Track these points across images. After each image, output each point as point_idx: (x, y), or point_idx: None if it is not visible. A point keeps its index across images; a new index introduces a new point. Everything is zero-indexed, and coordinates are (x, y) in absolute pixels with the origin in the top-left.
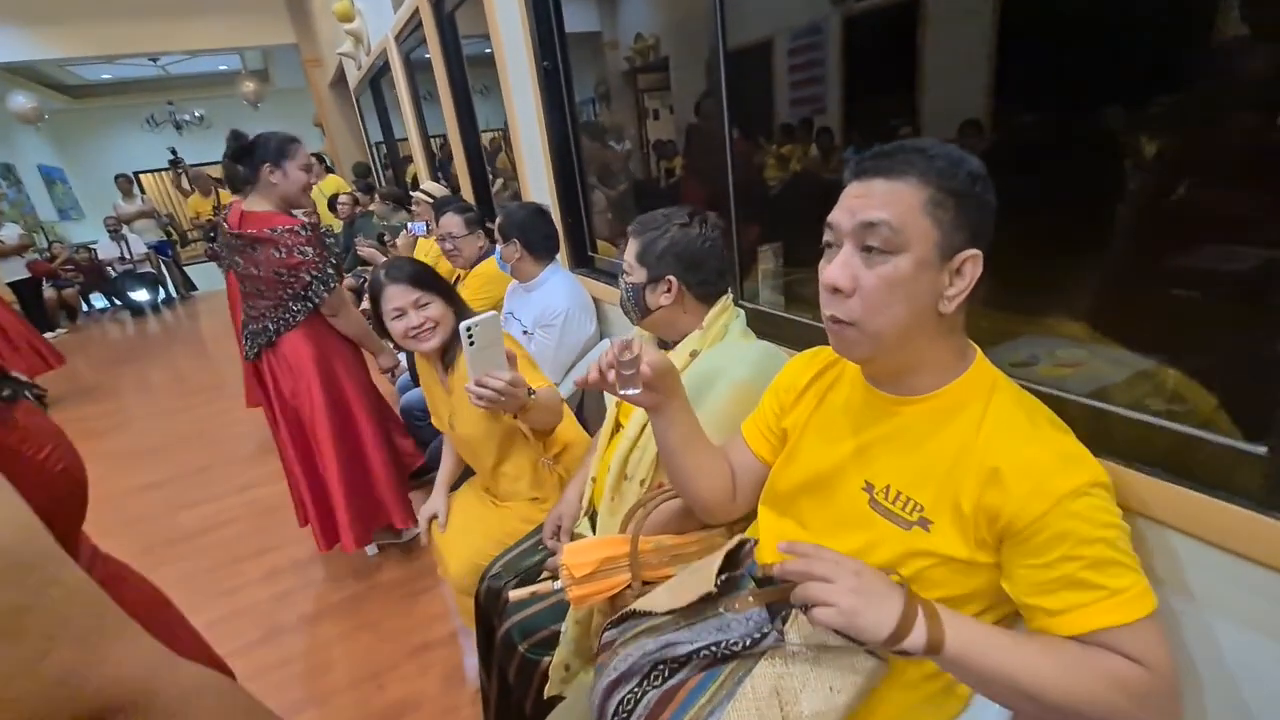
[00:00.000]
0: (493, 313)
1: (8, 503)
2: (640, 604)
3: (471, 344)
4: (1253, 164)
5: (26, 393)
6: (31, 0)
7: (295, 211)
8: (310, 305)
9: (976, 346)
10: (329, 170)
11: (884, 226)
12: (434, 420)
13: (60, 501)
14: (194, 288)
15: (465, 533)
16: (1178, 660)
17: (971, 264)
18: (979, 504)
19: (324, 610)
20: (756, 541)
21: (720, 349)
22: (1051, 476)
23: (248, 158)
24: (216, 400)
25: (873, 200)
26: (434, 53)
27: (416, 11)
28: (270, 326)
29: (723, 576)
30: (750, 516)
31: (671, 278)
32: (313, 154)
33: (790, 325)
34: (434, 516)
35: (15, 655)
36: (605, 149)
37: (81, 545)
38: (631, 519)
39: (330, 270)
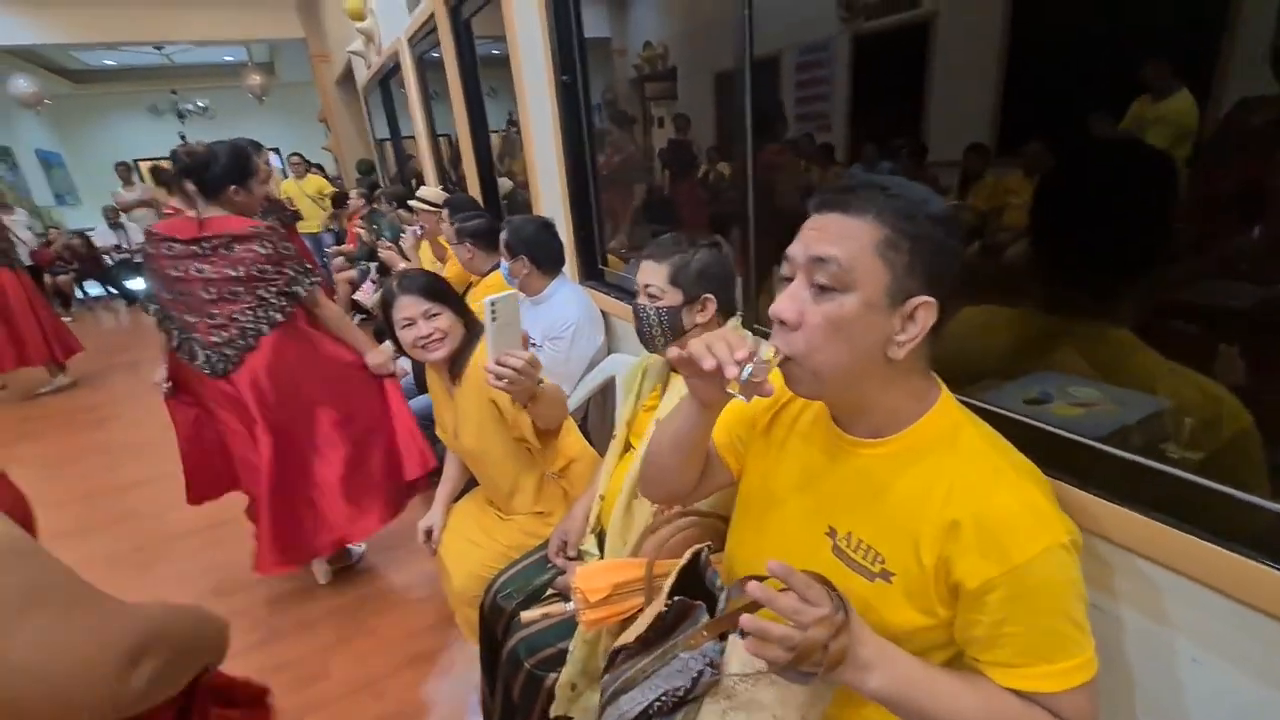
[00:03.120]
0: (514, 290)
1: None
2: (621, 639)
3: (494, 320)
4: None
5: None
6: None
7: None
8: (296, 299)
9: (941, 385)
10: (310, 168)
11: (833, 263)
12: (439, 430)
13: None
14: None
15: (469, 544)
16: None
17: (924, 311)
18: (939, 556)
19: (320, 616)
20: (709, 548)
21: None
22: (1009, 538)
23: (207, 170)
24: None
25: (826, 235)
26: (447, 57)
27: (432, 16)
28: (250, 328)
29: (675, 597)
30: None
31: (710, 297)
32: (294, 154)
33: None
34: (429, 530)
35: (46, 619)
36: (614, 154)
37: None
38: (644, 542)
39: (308, 265)
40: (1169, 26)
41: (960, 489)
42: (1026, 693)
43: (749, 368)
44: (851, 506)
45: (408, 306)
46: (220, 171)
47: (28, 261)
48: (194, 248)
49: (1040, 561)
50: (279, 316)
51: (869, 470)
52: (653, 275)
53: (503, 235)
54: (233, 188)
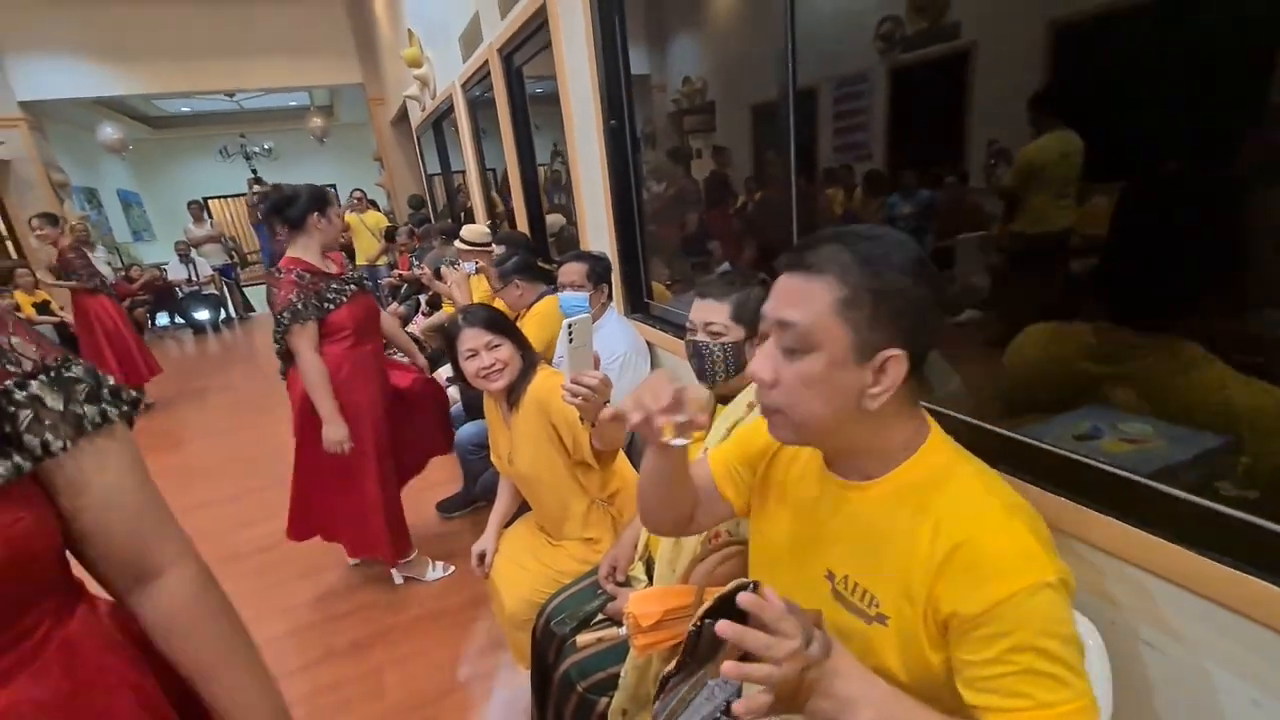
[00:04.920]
0: (587, 314)
1: None
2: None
3: (570, 341)
4: None
5: None
6: (124, 39)
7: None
8: (278, 341)
9: (932, 424)
10: (371, 205)
11: (794, 328)
12: (493, 457)
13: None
14: (252, 309)
15: (520, 569)
16: None
17: (894, 364)
18: (927, 594)
19: (375, 635)
20: (757, 584)
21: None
22: (994, 574)
23: (290, 207)
24: (269, 423)
25: (789, 298)
26: (500, 101)
27: (486, 63)
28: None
29: (706, 620)
30: None
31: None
32: (356, 190)
33: None
34: (482, 554)
35: None
36: (656, 187)
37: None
38: (692, 570)
39: (290, 313)
40: (1224, 49)
41: (948, 527)
42: None
43: (680, 415)
44: (846, 549)
45: (471, 339)
46: (303, 207)
47: None
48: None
49: (1025, 598)
50: (278, 348)
51: (860, 513)
52: (714, 313)
53: (586, 267)
54: (314, 216)
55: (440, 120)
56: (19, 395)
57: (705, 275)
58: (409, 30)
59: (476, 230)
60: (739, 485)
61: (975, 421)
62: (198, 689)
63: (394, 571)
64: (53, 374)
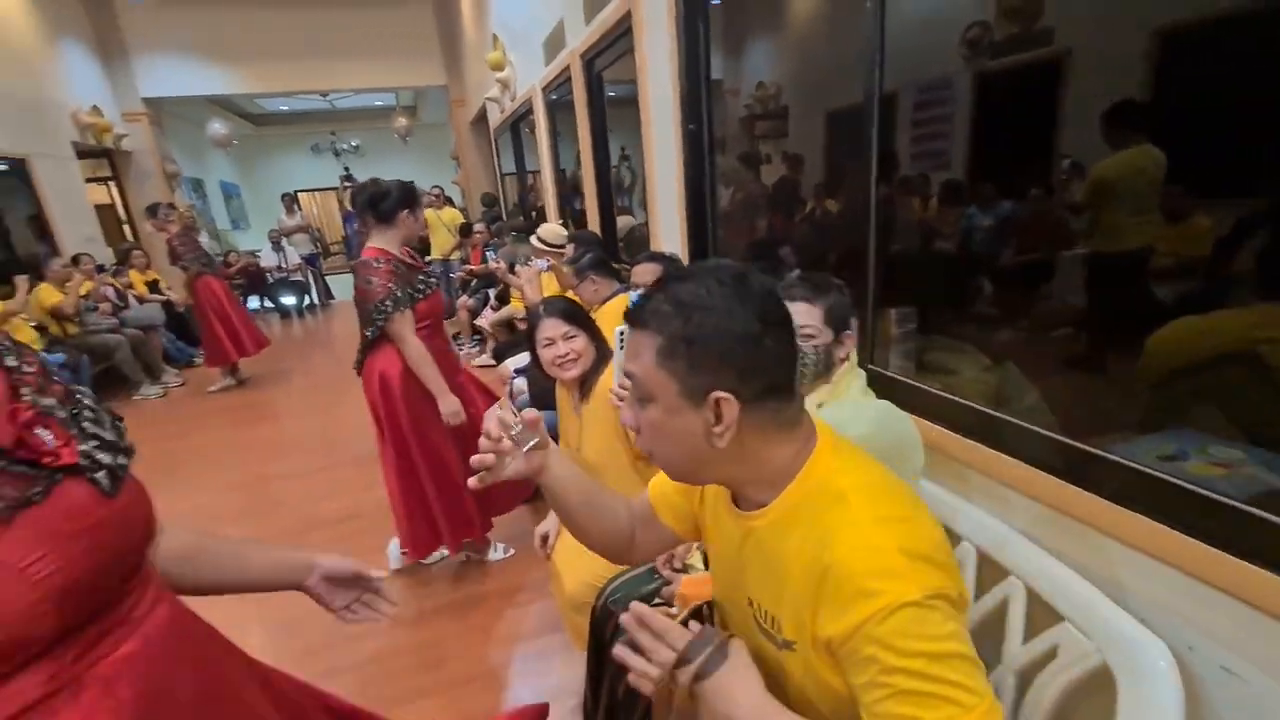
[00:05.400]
0: None
1: None
2: None
3: (622, 347)
4: None
5: (98, 475)
6: (236, 42)
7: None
8: (376, 328)
9: (820, 437)
10: (448, 202)
11: (635, 379)
12: (561, 444)
13: (43, 604)
14: (332, 296)
15: (580, 554)
16: None
17: (725, 405)
18: (813, 618)
19: (438, 609)
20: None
21: (840, 406)
22: (857, 594)
23: (384, 200)
24: (342, 406)
25: (630, 351)
26: (579, 105)
27: (567, 68)
28: (361, 349)
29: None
30: None
31: (850, 333)
32: (435, 187)
33: (919, 394)
34: (545, 535)
35: None
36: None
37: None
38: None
39: (391, 301)
40: None
41: (825, 547)
42: None
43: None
44: (756, 577)
45: (550, 328)
46: (394, 203)
47: None
48: (354, 268)
49: (882, 619)
50: (370, 336)
51: (761, 540)
52: (807, 316)
53: (661, 269)
54: (404, 212)
55: (518, 122)
56: (86, 400)
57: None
58: (494, 35)
59: (553, 231)
60: (677, 512)
61: (1057, 437)
62: (226, 587)
63: (392, 545)
64: (89, 397)
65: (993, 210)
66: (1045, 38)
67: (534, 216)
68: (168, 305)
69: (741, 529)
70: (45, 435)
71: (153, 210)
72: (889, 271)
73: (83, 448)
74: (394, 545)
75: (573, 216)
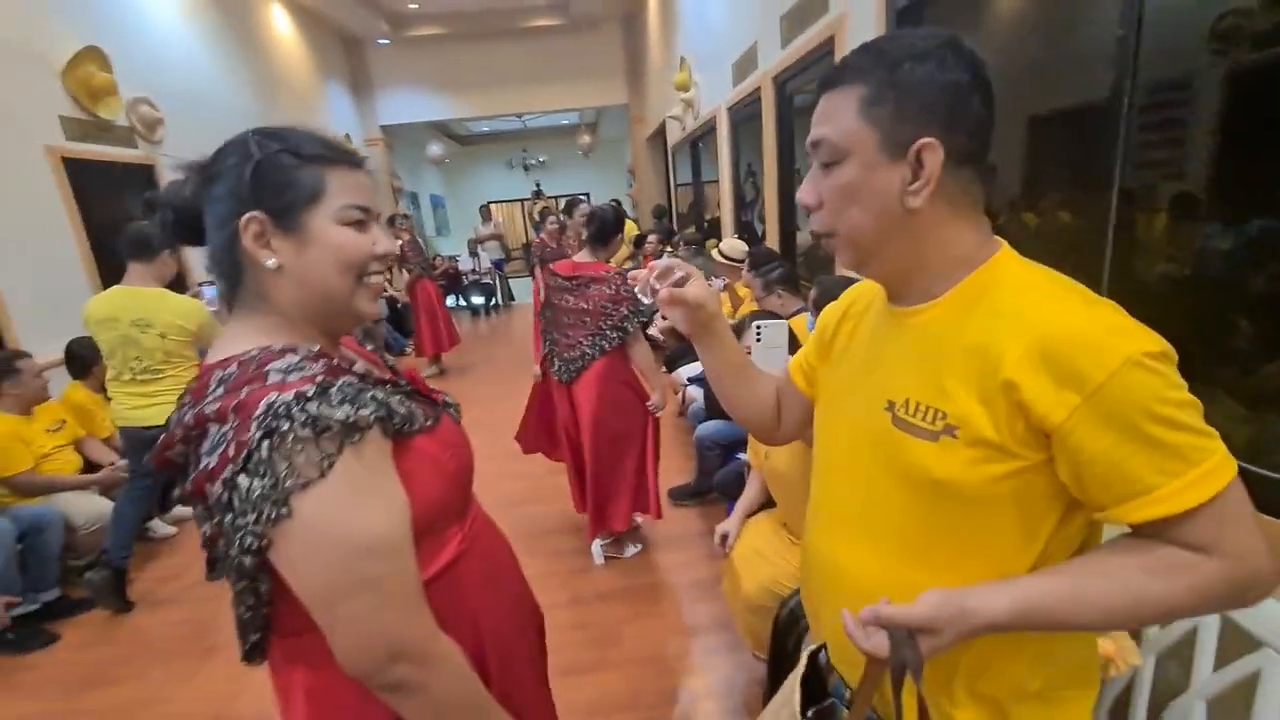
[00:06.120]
0: (783, 322)
1: (396, 504)
2: None
3: (759, 340)
4: None
5: (449, 410)
6: (455, 74)
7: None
8: (623, 335)
9: (1003, 243)
10: (627, 215)
11: (824, 142)
12: (749, 452)
13: (454, 487)
14: (513, 298)
15: (761, 558)
16: None
17: (928, 153)
18: (1011, 398)
19: (616, 592)
20: (823, 648)
21: None
22: (1084, 358)
23: (611, 228)
24: (519, 397)
25: (820, 118)
26: (767, 125)
27: (757, 90)
28: (588, 352)
29: (810, 712)
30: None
31: None
32: (614, 199)
33: None
34: (725, 535)
35: (372, 602)
36: None
37: (470, 503)
38: None
39: (641, 309)
40: None
41: (1026, 321)
42: (1149, 528)
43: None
44: (908, 374)
45: (746, 339)
46: (610, 226)
47: None
48: (567, 283)
49: (1126, 374)
50: (608, 345)
51: (925, 333)
52: None
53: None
54: (618, 237)
55: (698, 140)
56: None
57: None
58: (681, 57)
59: (735, 246)
60: (810, 376)
61: None
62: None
63: (595, 545)
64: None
65: (1238, 229)
66: None
67: (706, 227)
68: (390, 300)
69: (896, 329)
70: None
71: (391, 220)
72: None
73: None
74: (597, 545)
75: (747, 230)
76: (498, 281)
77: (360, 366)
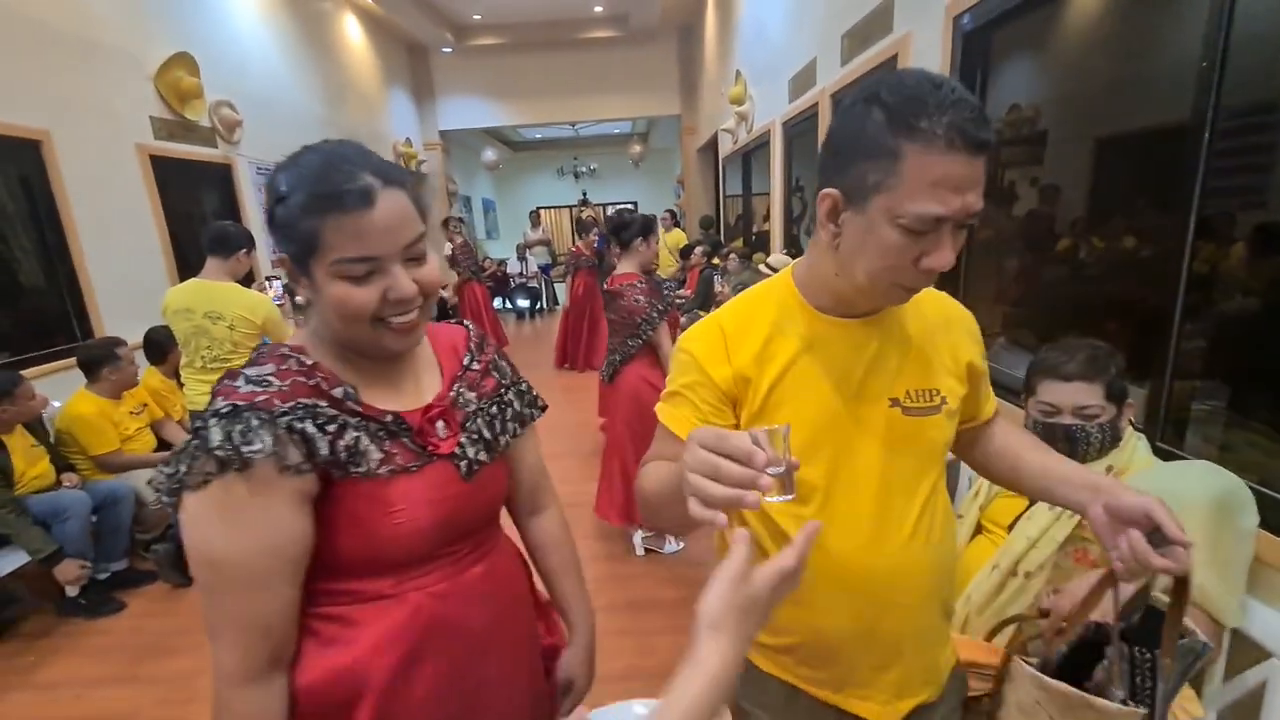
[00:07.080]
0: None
1: (264, 542)
2: None
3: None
4: None
5: (458, 462)
6: (512, 82)
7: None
8: (641, 340)
9: None
10: (675, 224)
11: (977, 212)
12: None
13: (391, 545)
14: (558, 302)
15: None
16: None
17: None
18: (954, 357)
19: (651, 602)
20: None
21: (1156, 473)
22: (972, 324)
23: (625, 231)
24: (564, 401)
25: (976, 183)
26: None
27: (815, 105)
28: (618, 359)
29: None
30: None
31: (1130, 402)
32: (667, 210)
33: None
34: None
35: (219, 610)
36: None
37: (430, 573)
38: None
39: (656, 313)
40: None
41: (947, 303)
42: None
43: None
44: (898, 370)
45: None
46: (633, 232)
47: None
48: (607, 297)
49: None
50: (632, 350)
51: (894, 332)
52: (1088, 395)
53: None
54: (639, 240)
55: (749, 153)
56: (508, 396)
57: (1047, 350)
58: (737, 71)
59: (781, 260)
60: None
61: None
62: (549, 586)
63: (636, 539)
64: (519, 385)
65: None
66: None
67: (754, 240)
68: (440, 302)
69: (869, 335)
70: (440, 428)
71: (446, 223)
72: (1191, 333)
73: (461, 439)
74: (638, 536)
75: (793, 244)
76: (544, 286)
77: (339, 392)
